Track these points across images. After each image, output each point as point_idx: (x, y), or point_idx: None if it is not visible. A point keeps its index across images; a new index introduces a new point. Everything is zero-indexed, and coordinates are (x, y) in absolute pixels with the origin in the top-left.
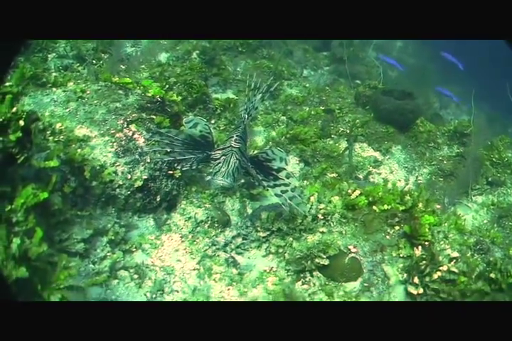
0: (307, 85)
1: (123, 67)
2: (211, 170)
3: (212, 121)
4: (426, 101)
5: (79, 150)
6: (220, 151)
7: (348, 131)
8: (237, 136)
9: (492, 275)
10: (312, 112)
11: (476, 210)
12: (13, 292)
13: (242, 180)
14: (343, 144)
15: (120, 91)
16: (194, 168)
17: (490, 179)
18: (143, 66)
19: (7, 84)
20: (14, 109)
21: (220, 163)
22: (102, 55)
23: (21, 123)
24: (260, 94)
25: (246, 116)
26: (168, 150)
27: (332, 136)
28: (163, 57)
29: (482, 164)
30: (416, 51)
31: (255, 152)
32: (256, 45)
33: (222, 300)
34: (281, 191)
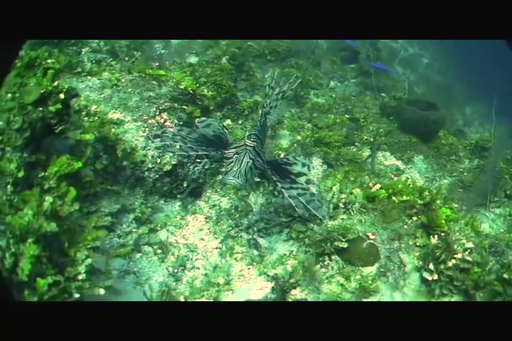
0: (333, 95)
1: (155, 65)
2: (224, 170)
3: (240, 122)
4: (450, 119)
5: (113, 129)
6: (233, 150)
7: (372, 140)
8: (252, 134)
9: (505, 275)
10: (337, 120)
11: (493, 219)
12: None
13: (258, 179)
14: (366, 152)
15: (154, 82)
16: (207, 167)
17: (508, 192)
18: (174, 66)
19: (49, 60)
20: (56, 83)
21: (232, 161)
22: (135, 52)
23: (61, 96)
24: (279, 89)
25: (265, 113)
26: (180, 145)
27: (356, 143)
28: (193, 60)
29: (501, 177)
30: (443, 68)
31: (277, 157)
32: (285, 54)
33: (242, 278)
34: (298, 194)
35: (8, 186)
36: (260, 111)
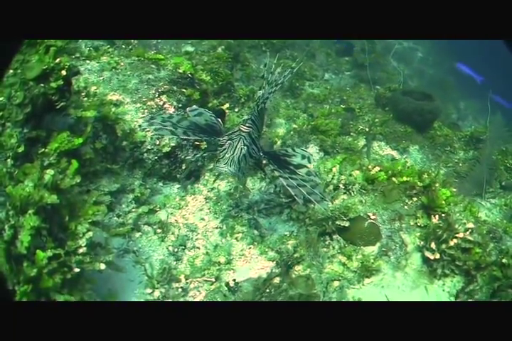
0: (328, 87)
1: (152, 53)
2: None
3: (236, 110)
4: (444, 112)
5: (113, 109)
6: (227, 137)
7: (367, 130)
8: (248, 119)
9: (504, 260)
10: (333, 110)
11: (489, 208)
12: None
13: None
14: (362, 142)
15: (153, 66)
16: (199, 156)
17: (503, 183)
18: (170, 55)
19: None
20: (57, 60)
21: (225, 148)
22: (132, 40)
23: (63, 73)
24: (277, 75)
25: (263, 99)
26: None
27: (351, 133)
28: (189, 49)
29: (496, 168)
30: (436, 62)
31: (275, 149)
32: (280, 45)
33: (243, 257)
34: (298, 184)
35: (8, 160)
36: (257, 97)
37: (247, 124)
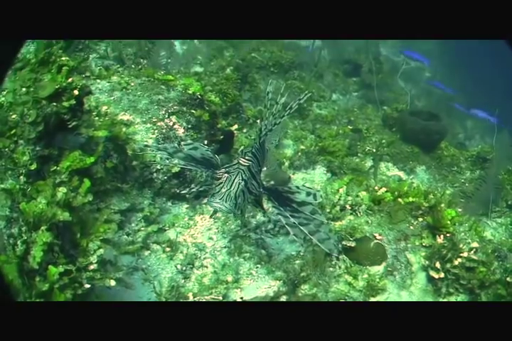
0: (336, 108)
1: (162, 73)
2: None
3: (245, 130)
4: (451, 131)
5: (124, 129)
6: (224, 170)
7: (374, 150)
8: (248, 151)
9: (509, 279)
10: (340, 131)
11: (495, 228)
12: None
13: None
14: (369, 163)
15: (162, 86)
16: (194, 190)
17: (510, 202)
18: (179, 75)
19: (63, 58)
20: (70, 80)
21: (221, 182)
22: (141, 60)
23: (75, 92)
24: (282, 104)
25: (266, 130)
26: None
27: (358, 154)
28: (197, 69)
29: (503, 187)
30: (443, 82)
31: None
32: (288, 66)
33: (250, 276)
34: (300, 223)
35: (21, 177)
36: (259, 128)
37: (246, 157)
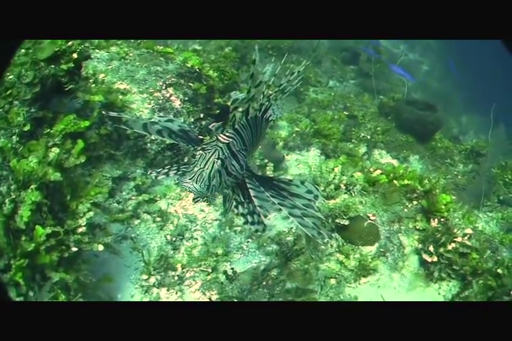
0: (332, 94)
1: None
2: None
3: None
4: (446, 125)
5: (120, 96)
6: (201, 147)
7: (369, 137)
8: (229, 127)
9: (499, 270)
10: (335, 116)
11: (486, 221)
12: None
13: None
14: (363, 149)
15: (161, 58)
16: (172, 175)
17: (501, 197)
18: (178, 51)
19: None
20: (70, 43)
21: (195, 160)
22: None
23: (74, 56)
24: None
25: (246, 99)
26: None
27: (353, 140)
28: (196, 47)
29: (495, 182)
30: (441, 76)
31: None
32: (286, 49)
33: (240, 250)
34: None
35: (14, 136)
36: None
37: (227, 134)
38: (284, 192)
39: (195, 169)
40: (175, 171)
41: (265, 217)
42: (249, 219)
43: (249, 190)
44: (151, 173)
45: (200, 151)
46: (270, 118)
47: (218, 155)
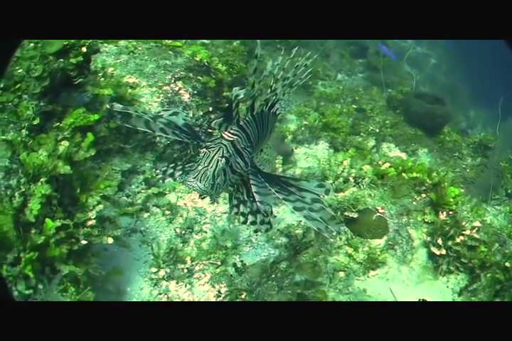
0: (341, 87)
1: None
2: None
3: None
4: (454, 119)
5: (129, 90)
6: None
7: (378, 131)
8: (234, 124)
9: (507, 264)
10: (344, 110)
11: (495, 214)
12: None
13: None
14: (371, 142)
15: (170, 52)
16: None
17: (510, 191)
18: (186, 45)
19: None
20: None
21: (199, 159)
22: None
23: (83, 49)
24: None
25: (250, 95)
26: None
27: (361, 133)
28: (204, 41)
29: (503, 175)
30: (449, 70)
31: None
32: (294, 43)
33: (249, 243)
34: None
35: (23, 130)
36: (252, 95)
37: (231, 131)
38: (291, 187)
39: (199, 168)
40: (180, 172)
41: (266, 213)
42: (251, 218)
43: (252, 186)
44: (157, 175)
45: (204, 149)
46: (278, 112)
47: (222, 153)
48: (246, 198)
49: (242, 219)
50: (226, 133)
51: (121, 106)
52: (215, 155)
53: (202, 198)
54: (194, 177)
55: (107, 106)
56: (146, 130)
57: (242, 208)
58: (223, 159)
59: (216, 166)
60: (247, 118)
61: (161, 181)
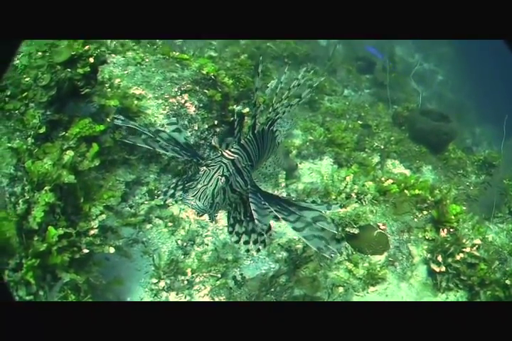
0: (347, 103)
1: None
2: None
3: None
4: (459, 136)
5: (136, 101)
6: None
7: (382, 147)
8: (235, 143)
9: (508, 281)
10: (349, 125)
11: (497, 232)
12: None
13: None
14: (376, 159)
15: (177, 65)
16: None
17: None
18: (193, 58)
19: None
20: (86, 47)
21: (199, 177)
22: (157, 40)
23: (91, 60)
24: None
25: (271, 119)
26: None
27: (366, 149)
28: (212, 54)
29: (507, 194)
30: (455, 86)
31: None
32: (302, 58)
33: (250, 257)
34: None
35: (29, 138)
36: (253, 115)
37: (232, 149)
38: (292, 207)
39: (199, 186)
40: (181, 192)
41: (263, 232)
42: (244, 237)
43: (251, 204)
44: (159, 196)
45: (204, 167)
46: (275, 129)
47: (223, 172)
48: (243, 218)
49: (235, 238)
50: (227, 151)
51: (122, 120)
52: (215, 173)
53: (200, 216)
54: (193, 196)
55: (108, 120)
56: (145, 146)
57: (237, 227)
58: (223, 178)
59: (216, 185)
60: (248, 137)
61: (162, 202)
